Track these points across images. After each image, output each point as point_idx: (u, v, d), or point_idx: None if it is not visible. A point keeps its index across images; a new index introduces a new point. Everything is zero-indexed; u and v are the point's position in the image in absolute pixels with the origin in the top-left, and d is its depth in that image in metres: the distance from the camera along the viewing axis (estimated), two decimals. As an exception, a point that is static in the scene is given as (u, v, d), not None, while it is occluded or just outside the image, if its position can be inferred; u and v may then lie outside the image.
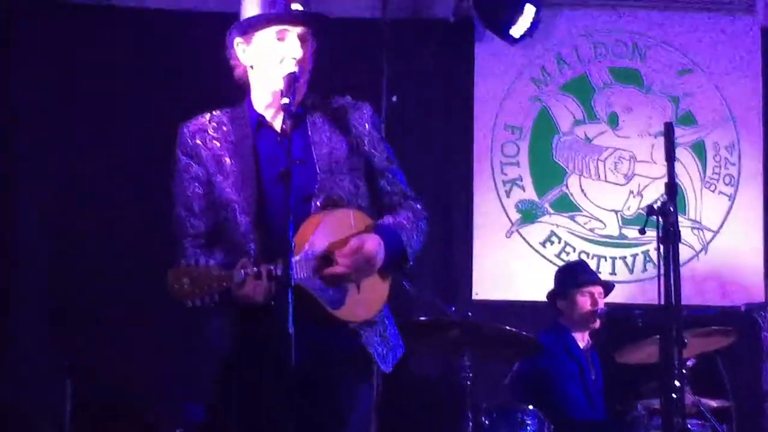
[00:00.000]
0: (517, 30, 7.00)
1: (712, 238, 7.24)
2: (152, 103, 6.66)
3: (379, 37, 6.79)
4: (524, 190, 7.24)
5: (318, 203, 3.65)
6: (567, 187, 7.25)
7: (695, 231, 7.23)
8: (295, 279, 3.36)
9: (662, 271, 4.12)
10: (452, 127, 7.22)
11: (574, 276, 6.37)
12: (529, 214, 7.22)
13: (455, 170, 7.20)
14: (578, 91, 7.31)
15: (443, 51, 7.11)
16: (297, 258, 3.46)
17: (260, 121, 3.76)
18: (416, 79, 6.99)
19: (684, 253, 6.89)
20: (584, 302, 6.27)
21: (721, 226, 7.25)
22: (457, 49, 7.21)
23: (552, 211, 7.24)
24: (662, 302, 4.11)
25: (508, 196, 7.23)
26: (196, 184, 3.71)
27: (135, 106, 6.78)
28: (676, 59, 7.33)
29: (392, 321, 3.85)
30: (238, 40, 3.73)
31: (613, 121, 7.29)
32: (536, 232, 7.22)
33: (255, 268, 3.43)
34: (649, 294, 6.51)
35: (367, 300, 3.68)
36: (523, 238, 7.21)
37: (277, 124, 3.72)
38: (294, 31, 3.69)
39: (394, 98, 6.74)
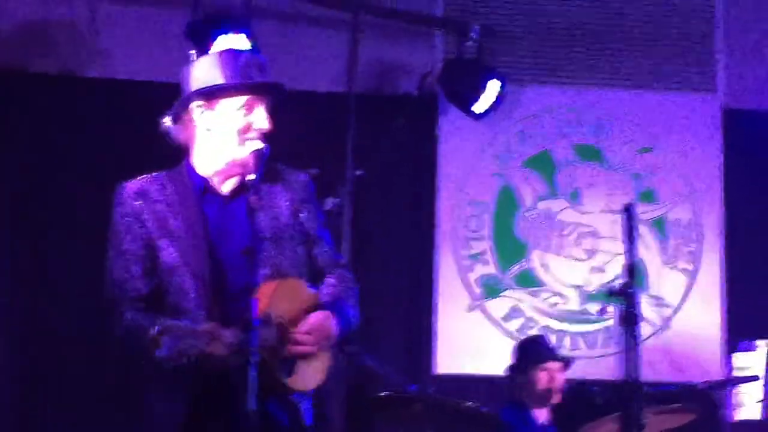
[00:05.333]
0: (479, 106, 7.09)
1: (673, 315, 7.30)
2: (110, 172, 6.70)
3: (345, 111, 6.86)
4: (487, 265, 7.31)
5: (265, 272, 3.63)
6: (529, 263, 7.33)
7: (655, 307, 7.29)
8: (255, 349, 3.38)
9: (622, 348, 4.18)
10: (416, 201, 7.28)
11: (531, 352, 6.36)
12: (492, 289, 7.27)
13: (418, 243, 7.24)
14: (541, 167, 7.40)
15: (408, 125, 7.19)
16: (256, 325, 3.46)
17: (205, 186, 3.76)
18: (381, 153, 7.05)
19: (644, 329, 6.95)
20: (542, 378, 6.26)
21: (682, 303, 7.33)
22: (421, 123, 7.28)
23: (515, 286, 7.30)
24: (623, 379, 4.16)
25: (471, 270, 7.28)
26: (139, 244, 3.67)
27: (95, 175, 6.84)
28: (638, 137, 7.45)
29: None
30: (198, 102, 3.71)
31: (576, 198, 7.40)
32: (499, 306, 7.26)
33: (225, 332, 3.44)
34: (612, 369, 6.60)
35: (313, 370, 3.72)
36: (486, 314, 7.25)
37: (225, 189, 3.75)
38: (262, 103, 3.73)
39: (359, 172, 6.80)
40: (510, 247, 7.33)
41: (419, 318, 7.18)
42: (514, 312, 7.27)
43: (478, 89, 7.09)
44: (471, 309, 7.25)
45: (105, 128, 6.87)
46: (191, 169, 3.77)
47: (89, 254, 6.60)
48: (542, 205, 7.39)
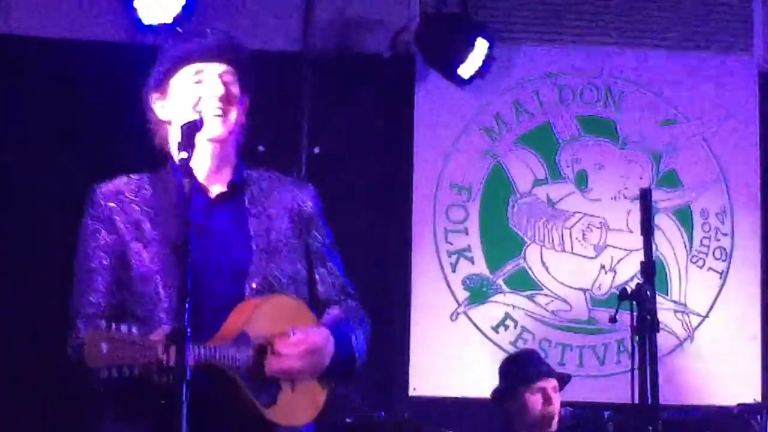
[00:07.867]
0: (466, 69, 7.10)
1: (700, 324, 7.33)
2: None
3: (298, 74, 6.83)
4: (473, 263, 7.31)
5: (253, 285, 3.78)
6: (525, 260, 7.34)
7: (679, 315, 7.32)
8: (191, 367, 3.36)
9: (637, 365, 4.19)
10: (386, 186, 7.29)
11: (520, 370, 6.34)
12: (478, 293, 7.29)
13: (389, 239, 7.26)
14: (540, 144, 7.41)
15: (377, 93, 7.18)
16: (229, 342, 3.57)
17: (190, 186, 3.78)
18: (343, 127, 7.05)
19: (665, 342, 7.01)
20: (535, 402, 6.21)
21: (711, 310, 7.35)
22: (393, 91, 7.29)
23: (507, 289, 7.30)
24: (637, 402, 4.18)
25: (453, 271, 7.29)
26: (103, 254, 3.80)
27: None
28: (658, 107, 7.47)
29: None
30: (154, 96, 3.91)
31: (582, 181, 7.40)
32: (487, 314, 7.28)
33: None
34: (624, 391, 6.62)
35: (301, 404, 3.75)
36: (472, 322, 7.26)
37: (213, 190, 3.89)
38: (213, 70, 3.87)
39: (317, 149, 6.79)
40: (501, 242, 7.34)
41: (390, 329, 7.17)
42: (507, 320, 7.28)
43: (463, 49, 7.09)
44: (454, 317, 7.26)
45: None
46: (175, 168, 3.87)
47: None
48: (541, 191, 7.40)
